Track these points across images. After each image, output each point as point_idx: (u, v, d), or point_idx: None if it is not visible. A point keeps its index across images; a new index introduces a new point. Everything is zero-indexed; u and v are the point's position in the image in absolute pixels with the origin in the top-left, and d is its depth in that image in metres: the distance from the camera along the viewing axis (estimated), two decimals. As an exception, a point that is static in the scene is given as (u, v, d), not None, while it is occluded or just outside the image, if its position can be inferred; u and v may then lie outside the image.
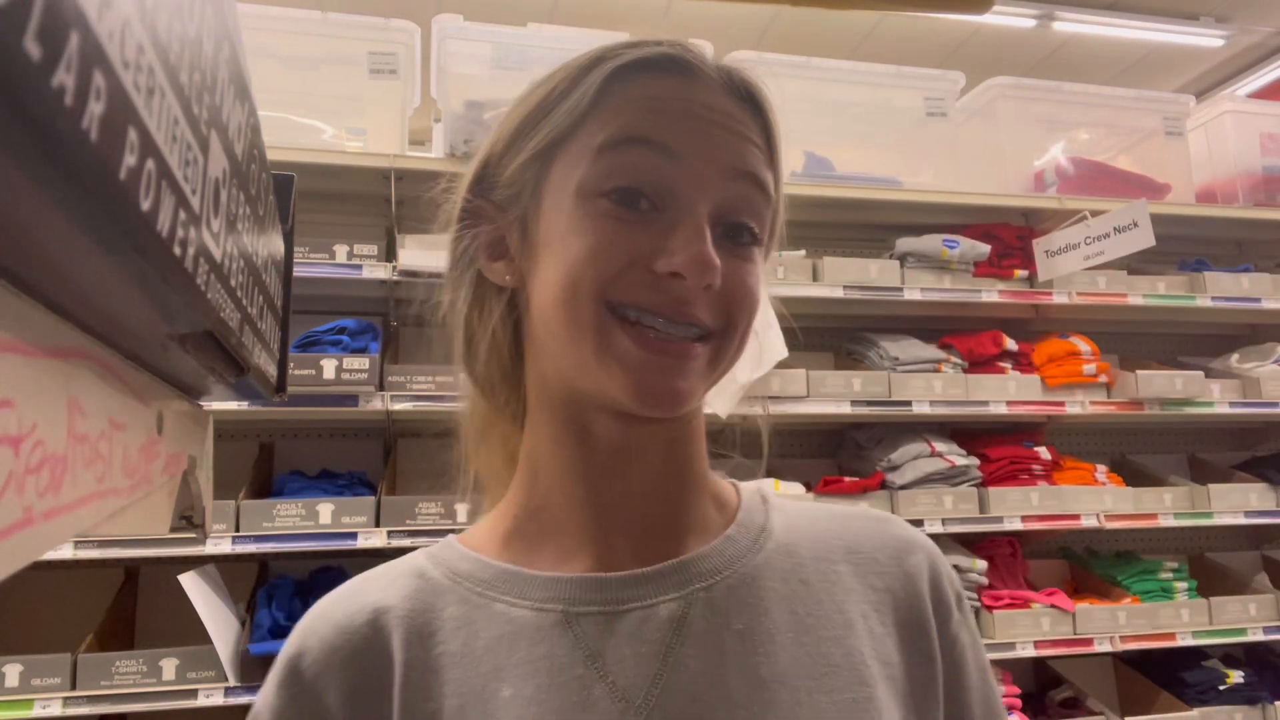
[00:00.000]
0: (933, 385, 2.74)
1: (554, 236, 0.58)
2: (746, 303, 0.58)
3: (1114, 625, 2.73)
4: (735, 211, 0.58)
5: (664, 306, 0.55)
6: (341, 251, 2.42)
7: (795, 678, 0.57)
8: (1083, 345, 2.93)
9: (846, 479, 2.73)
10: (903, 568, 0.64)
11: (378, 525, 2.31)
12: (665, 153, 0.56)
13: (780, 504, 0.69)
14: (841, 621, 0.60)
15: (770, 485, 2.67)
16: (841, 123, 3.07)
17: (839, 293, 2.74)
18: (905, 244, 2.88)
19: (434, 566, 0.64)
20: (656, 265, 0.55)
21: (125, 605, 2.45)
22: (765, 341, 2.57)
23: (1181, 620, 2.82)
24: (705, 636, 0.57)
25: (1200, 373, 3.03)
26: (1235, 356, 3.27)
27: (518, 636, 0.58)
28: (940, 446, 2.77)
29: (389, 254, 2.53)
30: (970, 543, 2.84)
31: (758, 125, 0.61)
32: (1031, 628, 2.67)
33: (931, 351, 2.87)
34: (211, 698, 2.12)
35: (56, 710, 2.04)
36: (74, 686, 2.07)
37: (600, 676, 0.56)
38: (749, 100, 0.61)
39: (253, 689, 2.12)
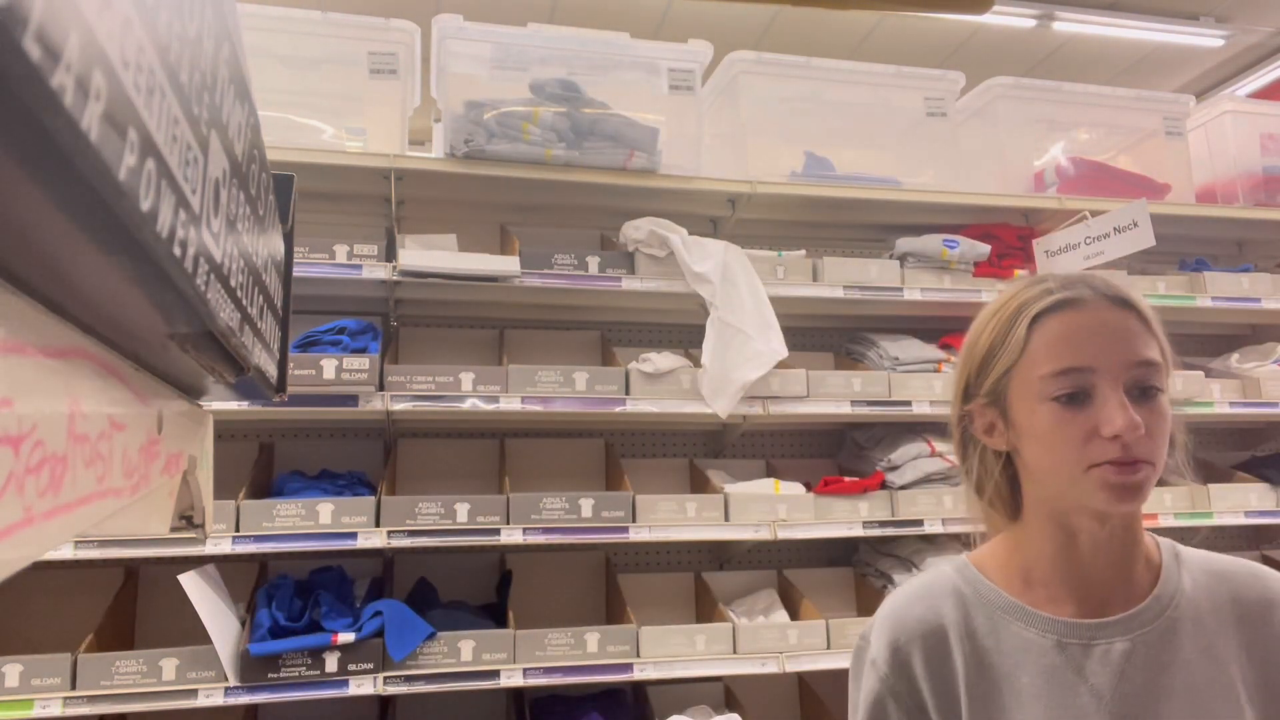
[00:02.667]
0: (933, 385, 2.74)
1: (1027, 425, 0.95)
2: (1163, 430, 0.91)
3: (1114, 625, 2.73)
4: (1140, 383, 0.91)
5: (1119, 454, 0.89)
6: (341, 251, 2.42)
7: (1195, 692, 0.90)
8: (1083, 345, 2.92)
9: (846, 479, 2.73)
10: (1273, 617, 0.95)
11: (378, 525, 2.31)
12: (1087, 371, 0.91)
13: (1187, 558, 1.00)
14: (1225, 658, 0.92)
15: (770, 485, 2.67)
16: (841, 123, 3.07)
17: (839, 293, 2.74)
18: (905, 244, 2.88)
19: (965, 585, 1.02)
20: (1104, 431, 0.89)
21: (125, 605, 2.45)
22: (765, 341, 2.58)
23: (1181, 620, 2.82)
24: (1145, 663, 0.92)
25: (1200, 373, 3.03)
26: (1235, 356, 3.27)
27: (1028, 649, 0.95)
28: (940, 446, 2.76)
29: (389, 254, 2.53)
30: (971, 544, 2.83)
31: (1135, 316, 0.94)
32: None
33: (931, 351, 2.87)
34: (211, 698, 2.12)
35: (56, 710, 2.04)
36: (74, 686, 2.06)
37: (1082, 680, 0.92)
38: (1124, 303, 0.95)
39: (253, 689, 2.12)
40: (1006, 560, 1.02)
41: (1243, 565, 1.01)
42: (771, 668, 2.44)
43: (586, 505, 2.43)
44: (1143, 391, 0.91)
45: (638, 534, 2.45)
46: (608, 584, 2.79)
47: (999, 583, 1.00)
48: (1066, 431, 0.91)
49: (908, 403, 2.71)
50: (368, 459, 2.76)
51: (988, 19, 5.09)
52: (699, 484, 2.82)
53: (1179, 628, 0.94)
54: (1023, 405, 0.95)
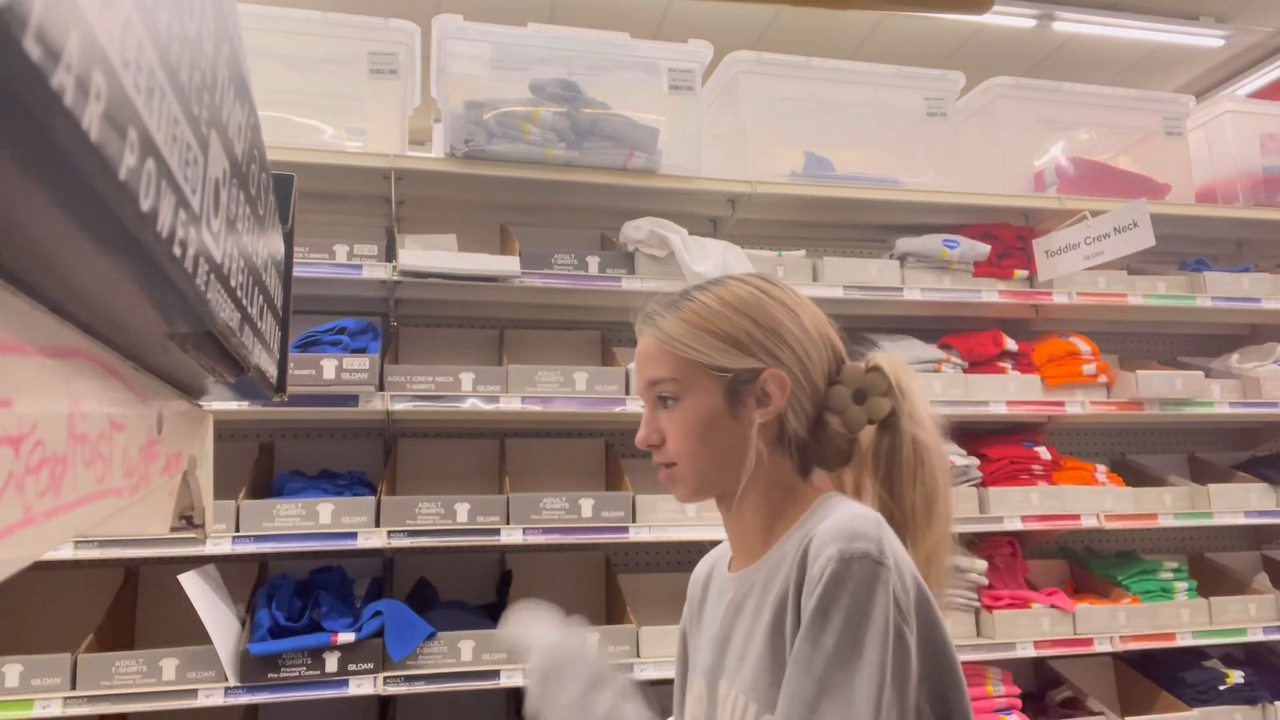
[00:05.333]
0: (933, 385, 2.74)
1: None
2: (680, 431, 1.04)
3: (1114, 625, 2.73)
4: (658, 396, 1.06)
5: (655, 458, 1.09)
6: (341, 251, 2.42)
7: (747, 638, 1.02)
8: (1083, 345, 2.93)
9: (846, 479, 2.72)
10: (803, 562, 0.96)
11: (378, 525, 2.31)
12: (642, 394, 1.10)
13: (817, 520, 1.01)
14: (775, 605, 0.98)
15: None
16: (841, 123, 3.07)
17: (839, 293, 2.74)
18: (905, 244, 2.88)
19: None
20: None
21: (125, 605, 2.45)
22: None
23: (1181, 620, 2.82)
24: (738, 611, 1.05)
25: (1200, 373, 3.03)
26: (1235, 356, 3.27)
27: (717, 594, 1.12)
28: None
29: (389, 254, 2.53)
30: (970, 543, 2.84)
31: (652, 335, 1.07)
32: (1031, 628, 2.67)
33: (931, 351, 2.87)
34: (211, 698, 2.12)
35: (56, 710, 2.04)
36: (74, 686, 2.07)
37: (714, 621, 1.09)
38: (645, 322, 1.09)
39: (253, 689, 2.12)
40: None
41: (830, 519, 0.97)
42: (771, 668, 2.44)
43: (586, 505, 2.43)
44: (661, 403, 1.06)
45: (638, 534, 2.45)
46: (608, 584, 2.79)
47: None
48: None
49: (908, 403, 2.70)
50: (368, 459, 2.76)
51: (988, 19, 5.09)
52: (699, 484, 2.82)
53: (761, 581, 1.02)
54: None
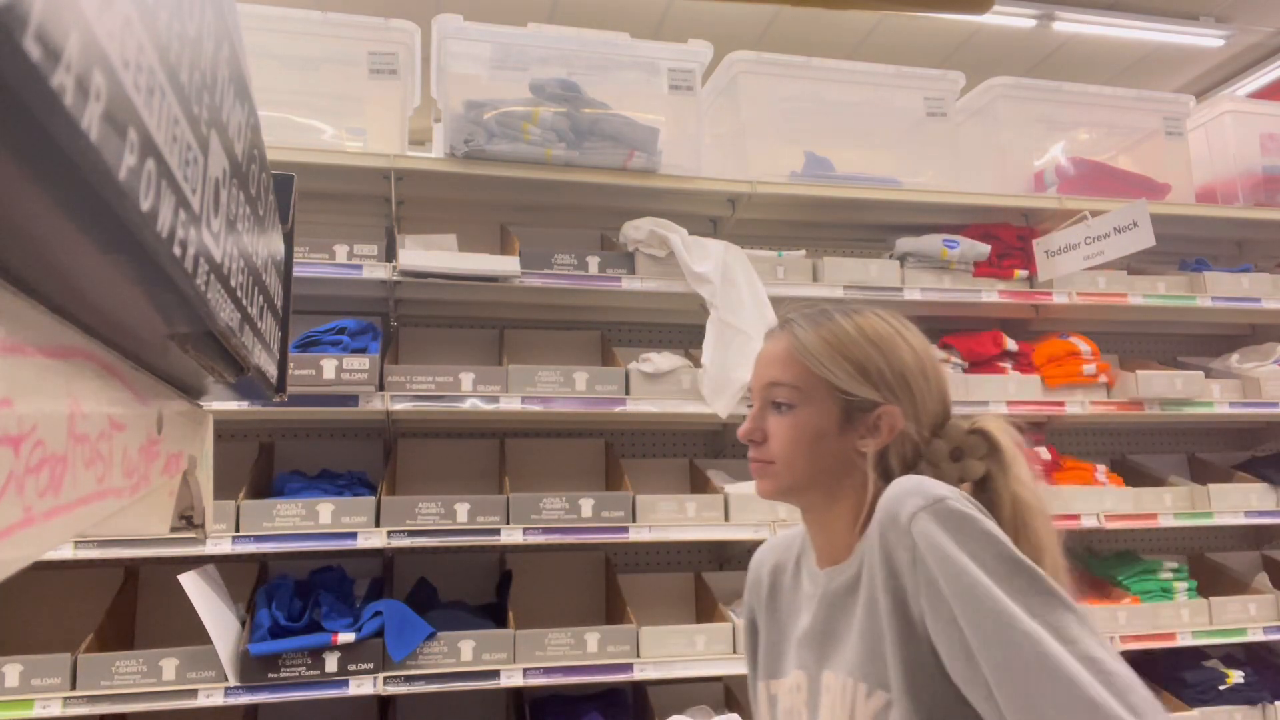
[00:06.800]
0: (933, 385, 2.74)
1: None
2: (786, 437, 1.09)
3: (1114, 625, 2.73)
4: (771, 399, 1.12)
5: (749, 452, 1.14)
6: (341, 251, 2.42)
7: (850, 630, 1.07)
8: (1083, 345, 2.93)
9: (846, 479, 2.73)
10: (888, 540, 1.02)
11: (378, 525, 2.31)
12: (756, 391, 1.15)
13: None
14: (879, 596, 1.03)
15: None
16: (841, 123, 3.07)
17: (839, 293, 2.74)
18: (905, 244, 2.88)
19: None
20: None
21: (125, 605, 2.45)
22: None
23: (1181, 620, 2.82)
24: (839, 605, 1.08)
25: (1200, 373, 3.03)
26: (1235, 356, 3.27)
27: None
28: (940, 446, 2.76)
29: (389, 254, 2.53)
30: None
31: (787, 341, 1.12)
32: (1031, 628, 2.67)
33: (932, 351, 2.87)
34: (211, 698, 2.12)
35: (56, 710, 2.04)
36: (74, 686, 2.07)
37: (797, 616, 1.16)
38: (781, 328, 1.15)
39: (253, 689, 2.12)
40: None
41: (887, 495, 1.02)
42: (771, 668, 2.44)
43: (586, 505, 2.43)
44: (775, 405, 1.11)
45: (638, 534, 2.45)
46: (608, 584, 2.79)
47: None
48: None
49: (908, 403, 2.71)
50: (368, 459, 2.76)
51: (988, 19, 5.09)
52: (699, 484, 2.82)
53: (852, 573, 1.05)
54: None
